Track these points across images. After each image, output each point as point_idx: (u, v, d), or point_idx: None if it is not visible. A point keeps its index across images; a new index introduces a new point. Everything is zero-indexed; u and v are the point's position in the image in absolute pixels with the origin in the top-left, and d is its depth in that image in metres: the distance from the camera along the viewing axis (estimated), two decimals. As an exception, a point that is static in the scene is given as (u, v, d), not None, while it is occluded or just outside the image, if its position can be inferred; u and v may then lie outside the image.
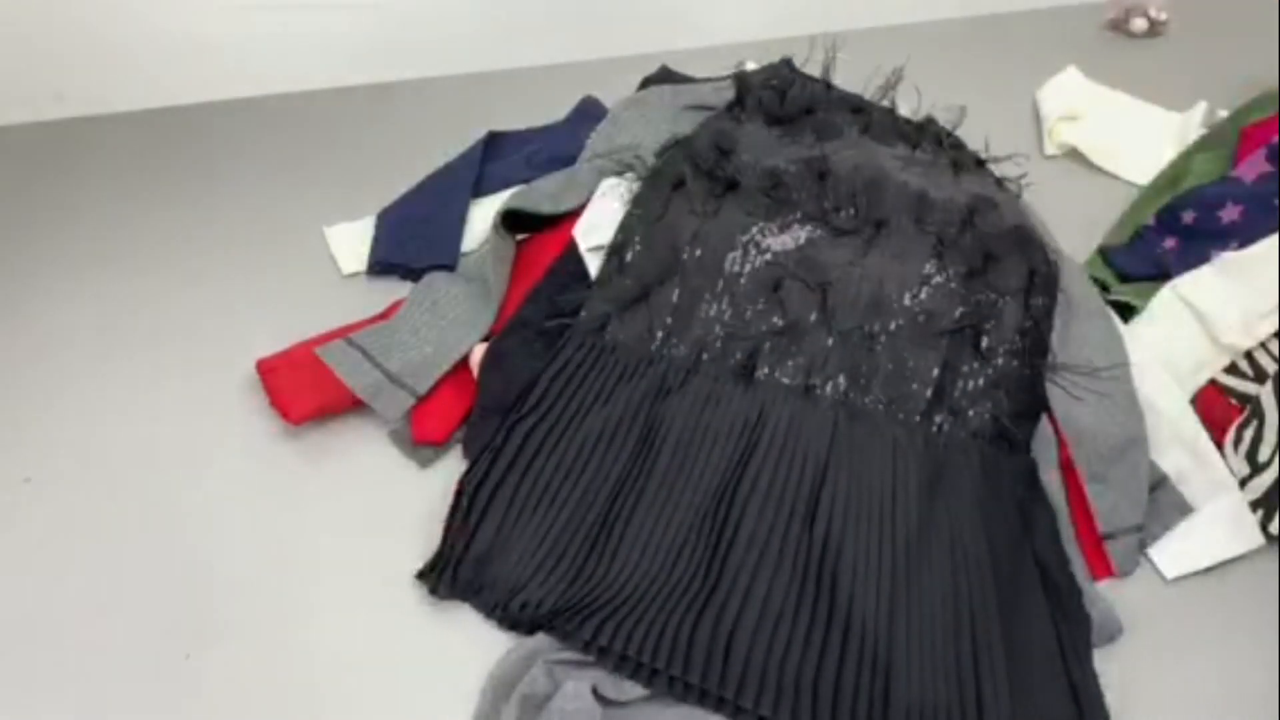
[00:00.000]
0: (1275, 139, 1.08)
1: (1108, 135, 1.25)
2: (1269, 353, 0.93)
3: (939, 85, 1.22)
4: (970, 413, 0.91)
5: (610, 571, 0.82)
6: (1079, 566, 0.85)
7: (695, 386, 0.92)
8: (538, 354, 0.95)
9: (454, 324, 0.99)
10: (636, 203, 1.02)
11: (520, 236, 1.08)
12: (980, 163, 1.13)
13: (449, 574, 0.82)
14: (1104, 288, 1.04)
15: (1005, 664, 0.77)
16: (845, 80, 1.19)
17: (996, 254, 0.96)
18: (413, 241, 1.10)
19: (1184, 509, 0.88)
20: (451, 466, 0.92)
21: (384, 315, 1.02)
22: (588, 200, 1.06)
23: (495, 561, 0.83)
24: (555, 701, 0.73)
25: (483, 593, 0.82)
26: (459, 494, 0.86)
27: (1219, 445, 0.90)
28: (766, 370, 0.93)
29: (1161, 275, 1.01)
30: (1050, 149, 1.26)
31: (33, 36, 1.23)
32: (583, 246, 1.02)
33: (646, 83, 1.23)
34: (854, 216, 1.00)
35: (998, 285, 0.95)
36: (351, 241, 1.13)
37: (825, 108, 1.14)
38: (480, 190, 1.15)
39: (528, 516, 0.85)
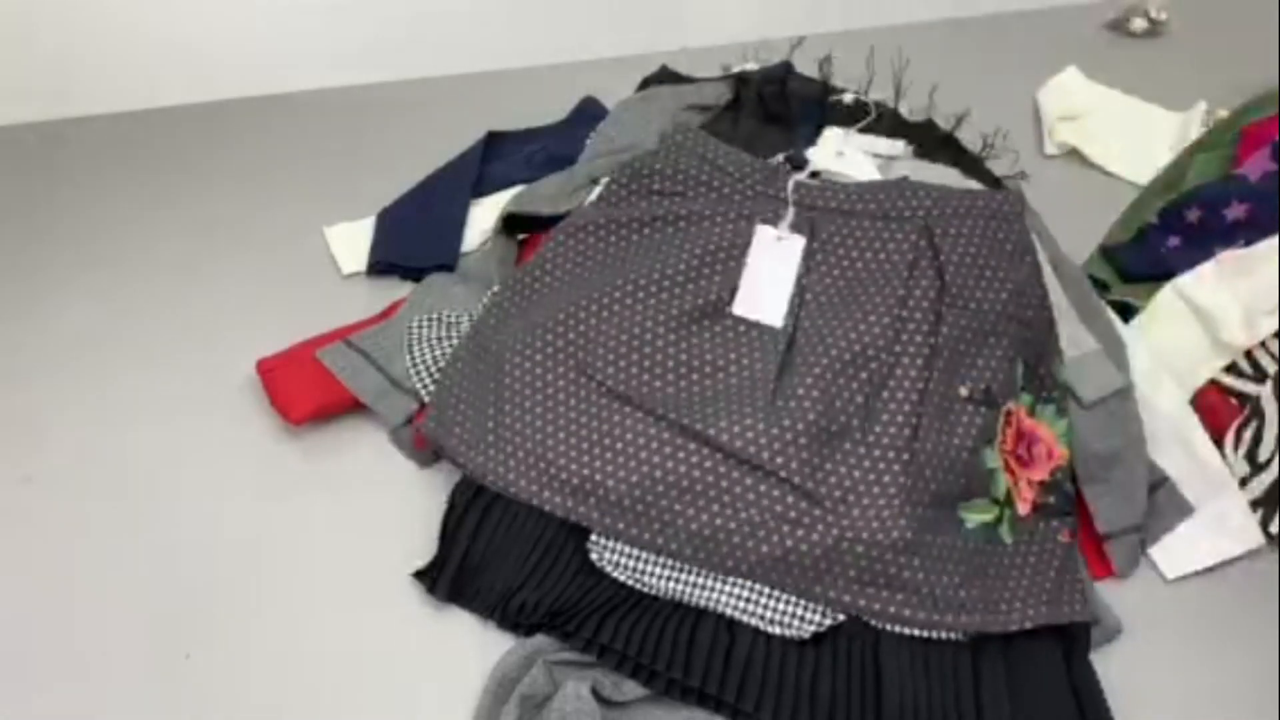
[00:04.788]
0: (1278, 137, 1.07)
1: (1108, 135, 1.25)
2: (1269, 352, 0.93)
3: (939, 85, 1.22)
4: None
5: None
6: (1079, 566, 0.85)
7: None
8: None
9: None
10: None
11: (521, 236, 1.08)
12: (979, 162, 1.14)
13: (447, 575, 0.82)
14: (1105, 287, 1.04)
15: (1004, 664, 0.77)
16: (845, 80, 1.19)
17: None
18: (413, 242, 1.10)
19: (1184, 509, 0.88)
20: (451, 467, 0.92)
21: (384, 315, 1.02)
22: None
23: (493, 563, 0.83)
24: (555, 701, 0.73)
25: (481, 595, 0.82)
26: (456, 496, 0.86)
27: (1219, 445, 0.90)
28: None
29: (1165, 275, 1.01)
30: (1050, 149, 1.26)
31: (33, 36, 1.23)
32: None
33: (646, 83, 1.23)
34: None
35: None
36: (351, 241, 1.13)
37: (824, 108, 1.14)
38: (480, 190, 1.15)
39: (524, 517, 0.85)
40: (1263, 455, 0.87)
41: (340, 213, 1.15)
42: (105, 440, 0.94)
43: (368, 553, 0.86)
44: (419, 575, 0.83)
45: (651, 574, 0.81)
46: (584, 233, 0.97)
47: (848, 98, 1.13)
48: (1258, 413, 0.89)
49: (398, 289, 1.07)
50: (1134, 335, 0.96)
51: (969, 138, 1.16)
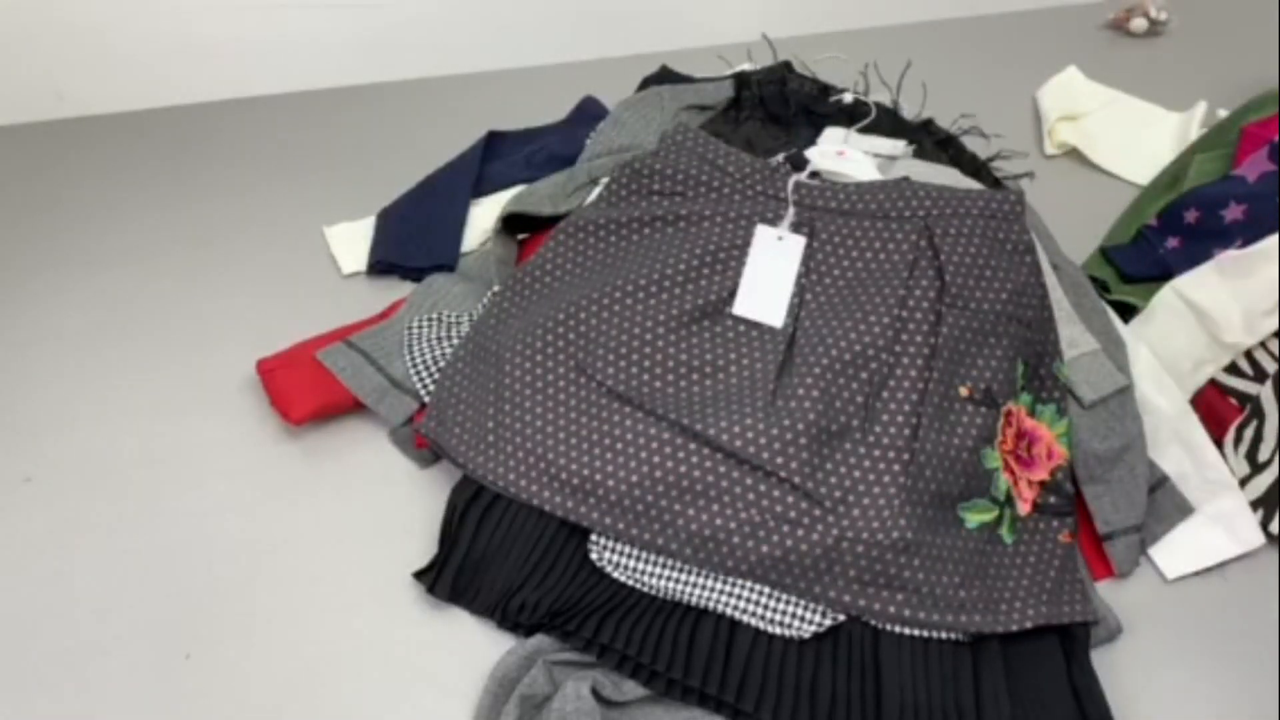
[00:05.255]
0: (1277, 137, 1.07)
1: (1108, 135, 1.25)
2: (1269, 352, 0.93)
3: (939, 85, 1.22)
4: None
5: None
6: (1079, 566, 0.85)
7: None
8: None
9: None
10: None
11: (521, 236, 1.08)
12: (980, 162, 1.14)
13: (447, 575, 0.82)
14: (1105, 287, 1.04)
15: (1004, 664, 0.77)
16: (844, 80, 1.19)
17: None
18: (413, 242, 1.10)
19: (1184, 509, 0.88)
20: (451, 467, 0.92)
21: (384, 315, 1.02)
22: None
23: (493, 563, 0.83)
24: (555, 701, 0.73)
25: (481, 595, 0.82)
26: (456, 496, 0.86)
27: (1219, 445, 0.90)
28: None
29: (1164, 276, 1.01)
30: (1050, 149, 1.26)
31: (33, 36, 1.23)
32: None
33: (646, 83, 1.23)
34: None
35: None
36: (351, 241, 1.13)
37: (823, 108, 1.14)
38: (480, 190, 1.15)
39: (524, 517, 0.85)
40: (1263, 455, 0.88)
41: (340, 213, 1.15)
42: (105, 440, 0.94)
43: (368, 553, 0.86)
44: (419, 575, 0.83)
45: (651, 574, 0.81)
46: (584, 233, 0.97)
47: (848, 98, 1.13)
48: (1258, 413, 0.89)
49: (398, 289, 1.07)
50: (1134, 335, 0.96)
51: (973, 143, 1.16)
